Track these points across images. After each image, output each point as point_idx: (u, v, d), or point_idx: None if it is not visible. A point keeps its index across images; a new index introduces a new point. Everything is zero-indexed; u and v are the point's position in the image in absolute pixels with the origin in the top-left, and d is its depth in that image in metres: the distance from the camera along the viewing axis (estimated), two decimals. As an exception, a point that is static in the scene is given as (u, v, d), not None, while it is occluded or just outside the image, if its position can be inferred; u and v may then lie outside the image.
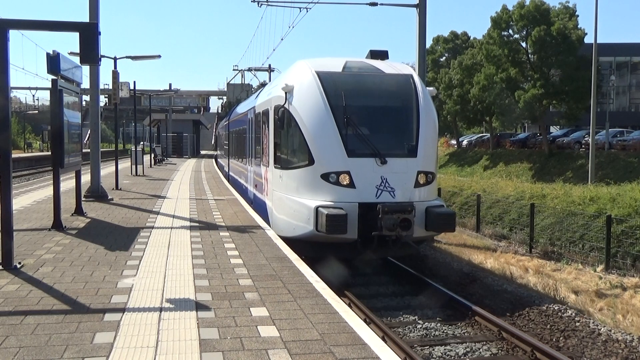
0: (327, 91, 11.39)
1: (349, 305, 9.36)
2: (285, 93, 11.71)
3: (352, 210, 10.52)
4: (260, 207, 14.40)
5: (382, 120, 11.65)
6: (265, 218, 13.00)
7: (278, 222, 11.97)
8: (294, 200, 11.32)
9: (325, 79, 11.63)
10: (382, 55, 13.28)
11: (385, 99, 11.96)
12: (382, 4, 21.27)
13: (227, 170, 28.22)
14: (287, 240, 10.42)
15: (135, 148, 30.06)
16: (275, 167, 12.49)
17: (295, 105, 11.49)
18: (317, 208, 10.55)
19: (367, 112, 11.59)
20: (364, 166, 10.93)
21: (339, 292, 8.92)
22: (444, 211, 11.17)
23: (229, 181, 24.60)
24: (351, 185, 10.84)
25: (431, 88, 12.58)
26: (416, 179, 11.18)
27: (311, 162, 11.12)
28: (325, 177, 10.92)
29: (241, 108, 22.96)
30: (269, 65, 39.79)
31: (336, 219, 10.15)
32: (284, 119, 11.61)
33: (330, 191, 10.84)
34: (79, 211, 12.94)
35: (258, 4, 23.34)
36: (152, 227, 11.44)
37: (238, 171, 21.73)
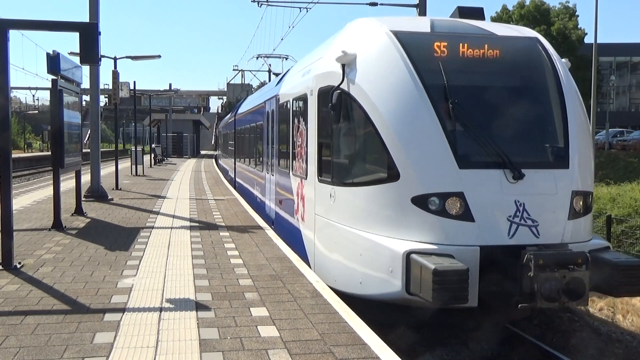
0: (415, 62, 7.27)
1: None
2: (342, 66, 7.70)
3: (472, 260, 6.43)
4: (289, 233, 10.52)
5: (507, 110, 7.49)
6: (299, 251, 9.35)
7: (330, 266, 8.00)
8: (361, 236, 7.25)
9: (409, 43, 7.45)
10: (476, 14, 8.91)
11: (508, 76, 7.80)
12: (382, 4, 21.25)
13: (232, 176, 24.50)
14: (345, 297, 6.94)
15: (135, 148, 30.18)
16: (320, 181, 8.54)
17: (362, 83, 7.42)
18: (409, 255, 6.51)
19: (483, 96, 7.53)
20: (486, 184, 6.81)
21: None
22: (626, 262, 6.73)
23: (235, 188, 21.46)
24: (467, 216, 6.68)
25: (564, 59, 8.29)
26: (571, 204, 7.01)
27: (394, 175, 6.98)
28: (420, 201, 6.78)
29: (253, 100, 18.72)
30: (269, 65, 39.40)
31: (452, 278, 5.97)
32: (340, 107, 7.55)
33: (431, 225, 6.73)
34: (79, 211, 12.95)
35: (258, 4, 23.33)
36: (152, 227, 11.45)
37: (249, 179, 17.77)
